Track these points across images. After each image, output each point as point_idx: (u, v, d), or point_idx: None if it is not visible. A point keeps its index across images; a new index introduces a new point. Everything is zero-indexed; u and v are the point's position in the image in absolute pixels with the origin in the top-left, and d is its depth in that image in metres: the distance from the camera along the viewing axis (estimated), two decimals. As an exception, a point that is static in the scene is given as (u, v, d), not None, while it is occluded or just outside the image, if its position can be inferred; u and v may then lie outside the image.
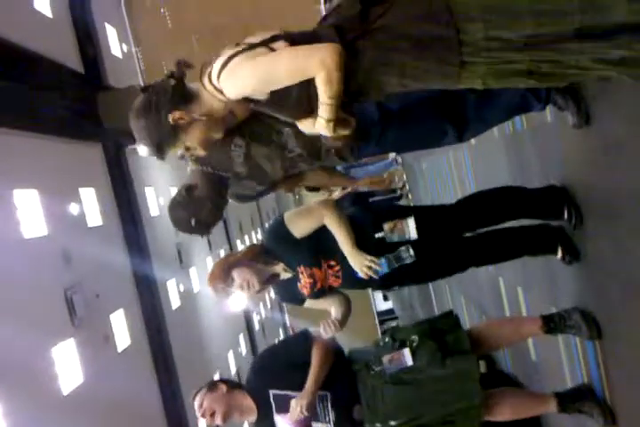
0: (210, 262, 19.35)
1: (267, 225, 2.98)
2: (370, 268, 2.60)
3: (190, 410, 13.69)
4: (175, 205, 2.59)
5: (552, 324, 2.84)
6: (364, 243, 2.67)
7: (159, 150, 1.91)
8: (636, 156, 2.12)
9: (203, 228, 2.59)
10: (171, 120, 1.83)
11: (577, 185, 2.73)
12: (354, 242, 2.63)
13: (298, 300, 2.88)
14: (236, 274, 2.69)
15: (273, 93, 1.72)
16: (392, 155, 9.41)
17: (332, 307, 2.86)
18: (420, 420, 2.78)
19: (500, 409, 2.85)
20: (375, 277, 2.62)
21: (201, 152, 1.97)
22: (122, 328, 11.55)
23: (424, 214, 2.77)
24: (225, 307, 14.07)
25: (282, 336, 29.39)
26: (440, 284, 8.67)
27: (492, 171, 3.33)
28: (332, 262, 2.71)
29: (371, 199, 10.79)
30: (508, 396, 2.98)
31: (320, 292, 2.76)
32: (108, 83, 12.61)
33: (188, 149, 1.93)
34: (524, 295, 4.12)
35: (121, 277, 12.06)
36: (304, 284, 2.72)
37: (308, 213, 2.72)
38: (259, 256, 2.74)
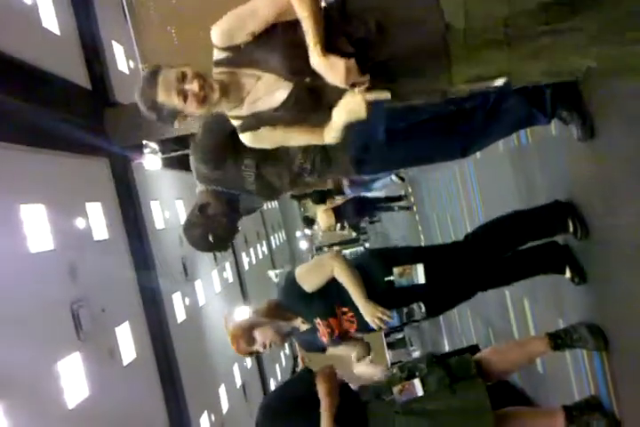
0: (215, 275, 19.35)
1: (279, 283, 3.06)
2: (381, 319, 2.68)
3: (195, 425, 13.64)
4: (191, 226, 2.64)
5: (559, 340, 2.85)
6: (374, 287, 2.75)
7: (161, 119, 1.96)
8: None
9: (221, 244, 2.65)
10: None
11: (582, 198, 2.76)
12: (364, 293, 2.71)
13: (319, 348, 2.95)
14: (258, 334, 2.77)
15: (260, 35, 1.77)
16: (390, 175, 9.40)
17: (353, 352, 2.93)
18: None
19: None
20: (384, 327, 2.71)
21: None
22: (127, 342, 11.54)
23: (434, 257, 2.81)
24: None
25: (287, 349, 29.24)
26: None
27: (498, 184, 3.35)
28: (345, 309, 2.78)
29: (377, 205, 10.82)
30: (516, 418, 2.95)
31: (338, 338, 2.83)
32: (114, 99, 12.71)
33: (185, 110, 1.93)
34: (531, 307, 4.13)
35: (126, 290, 12.07)
36: (322, 333, 2.80)
37: (317, 269, 2.80)
38: (277, 312, 2.83)
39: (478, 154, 3.17)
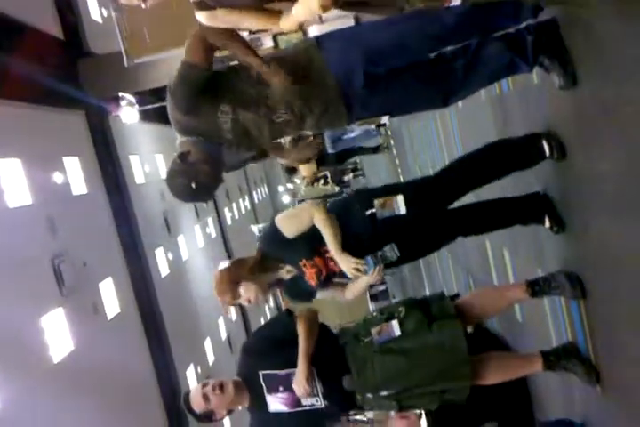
0: (198, 230, 19.36)
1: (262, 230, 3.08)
2: (357, 269, 2.71)
3: (182, 377, 13.88)
4: (173, 175, 2.57)
5: (537, 287, 2.87)
6: (356, 223, 2.77)
7: None
8: (621, 117, 2.12)
9: (204, 192, 2.60)
10: None
11: (562, 138, 2.73)
12: (340, 244, 2.72)
13: (308, 295, 2.96)
14: (243, 290, 2.77)
15: None
16: (372, 126, 9.45)
17: (342, 292, 2.94)
18: (411, 391, 2.80)
19: (488, 374, 2.89)
20: (364, 275, 2.72)
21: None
22: (111, 297, 11.59)
23: (412, 191, 2.83)
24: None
25: (271, 301, 29.59)
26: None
27: (479, 133, 3.34)
28: (327, 248, 2.77)
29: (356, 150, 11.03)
30: (494, 360, 3.02)
31: (326, 280, 2.83)
32: (89, 49, 12.35)
33: None
34: (511, 258, 4.16)
35: (108, 245, 12.04)
36: (310, 275, 2.80)
37: (297, 217, 2.81)
38: (261, 264, 2.83)
39: (460, 103, 3.14)
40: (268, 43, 8.00)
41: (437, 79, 2.54)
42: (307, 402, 2.80)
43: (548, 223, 2.88)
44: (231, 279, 2.78)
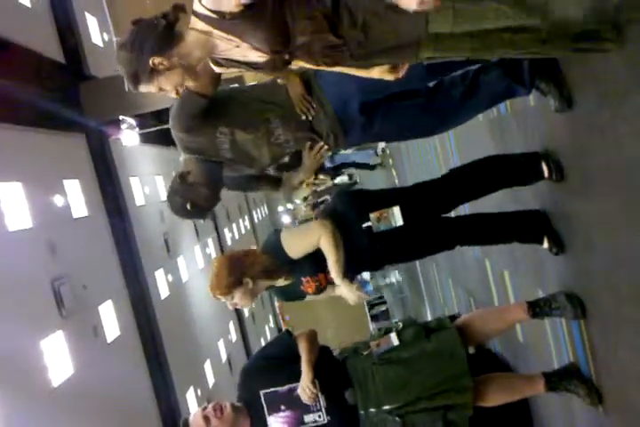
0: (198, 251, 19.33)
1: (264, 239, 3.02)
2: (359, 297, 2.75)
3: (182, 400, 13.76)
4: (172, 193, 2.66)
5: (537, 308, 2.88)
6: (354, 236, 2.76)
7: (133, 85, 1.94)
8: (616, 138, 2.14)
9: (198, 213, 2.66)
10: (151, 64, 1.84)
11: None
12: (342, 269, 2.70)
13: (299, 297, 2.95)
14: (237, 296, 2.74)
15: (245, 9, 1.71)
16: (374, 146, 9.56)
17: (333, 290, 2.92)
18: (413, 406, 2.79)
19: (490, 395, 2.89)
20: (366, 299, 2.74)
21: (173, 94, 1.99)
22: (111, 319, 11.54)
23: (407, 199, 2.82)
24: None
25: (271, 323, 29.47)
26: (428, 266, 8.73)
27: (477, 155, 3.37)
28: None
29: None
30: (497, 381, 3.03)
31: (325, 288, 2.85)
32: (89, 72, 12.47)
33: (161, 89, 1.95)
34: (511, 278, 4.17)
35: (108, 267, 12.02)
36: (309, 287, 2.81)
37: (305, 238, 2.76)
38: (262, 271, 2.77)
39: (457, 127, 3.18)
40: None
41: (436, 107, 2.59)
42: (309, 419, 2.77)
43: (546, 244, 2.90)
44: (234, 281, 2.72)
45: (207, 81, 2.42)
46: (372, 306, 24.84)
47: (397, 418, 2.77)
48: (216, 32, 1.80)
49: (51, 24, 11.91)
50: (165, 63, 1.85)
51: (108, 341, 11.22)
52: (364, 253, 2.78)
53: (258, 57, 1.84)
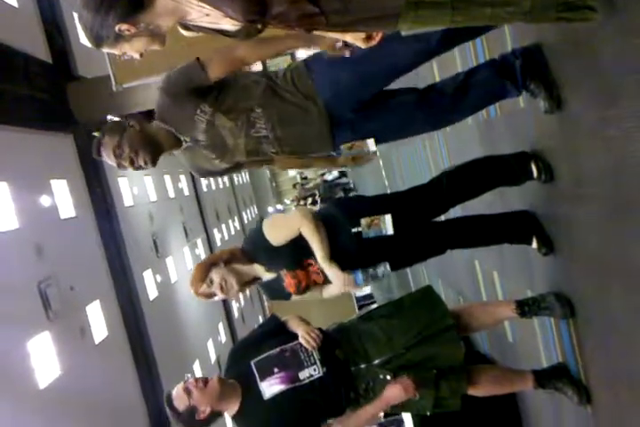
0: (187, 252, 19.27)
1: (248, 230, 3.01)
2: (345, 282, 2.70)
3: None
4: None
5: (526, 307, 2.89)
6: (342, 238, 2.73)
7: (96, 46, 1.87)
8: (605, 140, 2.15)
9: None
10: (117, 30, 1.78)
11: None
12: (328, 254, 2.69)
13: (284, 295, 2.88)
14: (214, 274, 2.72)
15: None
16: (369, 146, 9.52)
17: (320, 293, 2.88)
18: (404, 358, 2.79)
19: (481, 383, 2.91)
20: (354, 289, 2.75)
21: (137, 57, 1.94)
22: (98, 320, 11.47)
23: (400, 205, 2.81)
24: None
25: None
26: (418, 268, 8.74)
27: (467, 157, 3.38)
28: (312, 261, 2.74)
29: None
30: (489, 370, 3.08)
31: (306, 289, 2.79)
32: (77, 73, 12.38)
33: (124, 53, 1.91)
34: (500, 279, 4.18)
35: (96, 269, 11.95)
36: (289, 284, 2.75)
37: (285, 225, 2.76)
38: (239, 258, 2.78)
39: (448, 127, 3.17)
40: (257, 66, 8.06)
41: (427, 105, 2.58)
42: (304, 375, 2.72)
43: (535, 244, 2.91)
44: (206, 268, 2.74)
45: (220, 61, 2.40)
46: (361, 306, 24.88)
47: (388, 377, 2.74)
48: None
49: (38, 24, 11.82)
50: (132, 30, 1.78)
51: (96, 342, 11.15)
52: (350, 256, 2.74)
53: (231, 25, 1.77)
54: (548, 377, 2.94)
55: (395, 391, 2.68)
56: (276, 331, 2.88)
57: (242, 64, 2.46)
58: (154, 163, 2.56)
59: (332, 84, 2.47)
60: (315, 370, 2.73)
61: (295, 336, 2.79)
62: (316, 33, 1.90)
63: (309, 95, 2.48)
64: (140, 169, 2.59)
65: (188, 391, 2.65)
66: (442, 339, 2.81)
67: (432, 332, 2.80)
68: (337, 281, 2.70)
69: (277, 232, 2.73)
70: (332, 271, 2.68)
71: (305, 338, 2.75)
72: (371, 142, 2.61)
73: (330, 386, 2.73)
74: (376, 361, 2.79)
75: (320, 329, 2.89)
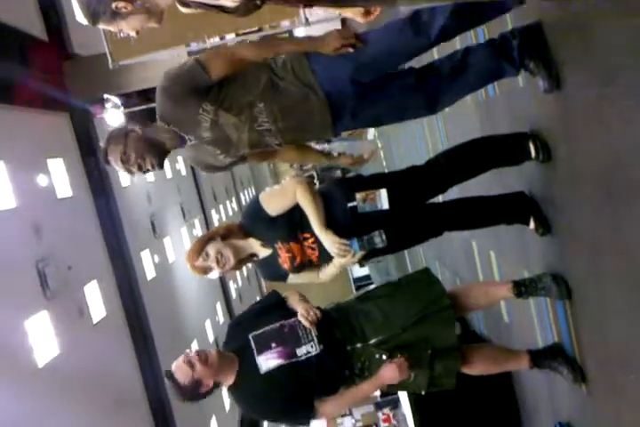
0: (184, 232, 19.28)
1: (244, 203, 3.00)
2: (341, 248, 2.64)
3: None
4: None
5: (523, 288, 2.89)
6: (337, 212, 2.71)
7: (92, 23, 1.87)
8: (605, 119, 2.13)
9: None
10: (114, 7, 1.77)
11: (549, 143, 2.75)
12: (323, 221, 2.67)
13: (281, 276, 2.89)
14: (210, 247, 2.72)
15: None
16: (369, 136, 9.48)
17: (316, 275, 2.88)
18: (400, 338, 2.80)
19: (476, 361, 2.93)
20: (349, 255, 2.65)
21: (133, 35, 1.92)
22: (96, 300, 11.51)
23: (397, 183, 2.79)
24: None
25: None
26: (415, 249, 8.75)
27: (466, 136, 3.37)
28: (307, 235, 2.72)
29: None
30: (485, 349, 3.12)
31: (300, 266, 2.78)
32: (73, 51, 12.26)
33: (120, 30, 1.88)
34: (497, 259, 4.18)
35: (93, 248, 11.96)
36: (284, 259, 2.75)
37: (281, 193, 2.75)
38: (235, 233, 2.77)
39: (447, 108, 3.16)
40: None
41: (425, 87, 2.56)
42: (301, 351, 2.74)
43: (532, 225, 2.90)
44: (203, 242, 2.75)
45: (221, 61, 2.39)
46: (358, 287, 25.00)
47: (383, 357, 2.76)
48: None
49: (33, 1, 11.67)
50: (129, 7, 1.76)
51: (94, 321, 11.20)
52: (346, 229, 2.70)
53: (230, 1, 1.74)
54: (544, 357, 2.96)
55: (390, 371, 2.70)
56: (275, 306, 2.89)
57: (242, 64, 2.44)
58: (161, 166, 2.59)
59: (332, 74, 2.46)
60: (312, 347, 2.74)
61: (294, 313, 2.80)
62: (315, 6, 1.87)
63: (309, 83, 2.48)
64: (148, 172, 2.60)
65: (190, 365, 2.68)
66: (437, 319, 2.81)
67: (428, 312, 2.80)
68: (333, 248, 2.66)
69: (274, 201, 2.73)
70: (327, 238, 2.65)
71: (304, 315, 2.75)
72: (371, 131, 2.62)
73: (326, 364, 2.74)
74: (372, 341, 2.79)
75: (319, 308, 2.89)
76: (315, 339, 2.74)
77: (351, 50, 2.33)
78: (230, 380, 2.77)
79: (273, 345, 2.75)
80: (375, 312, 2.83)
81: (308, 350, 2.74)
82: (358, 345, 2.80)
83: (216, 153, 2.61)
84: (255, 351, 2.75)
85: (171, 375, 2.71)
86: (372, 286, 2.97)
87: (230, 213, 28.91)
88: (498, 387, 4.23)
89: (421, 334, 2.81)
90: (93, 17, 1.80)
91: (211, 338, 19.34)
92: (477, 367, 2.95)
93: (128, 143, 2.50)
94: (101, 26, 1.86)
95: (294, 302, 2.85)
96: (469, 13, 2.44)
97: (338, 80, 2.47)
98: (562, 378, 2.89)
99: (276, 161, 2.94)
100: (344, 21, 6.86)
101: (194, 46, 6.85)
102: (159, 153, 2.55)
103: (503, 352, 3.16)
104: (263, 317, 2.84)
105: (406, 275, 3.11)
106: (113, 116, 11.37)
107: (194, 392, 2.70)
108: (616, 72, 1.99)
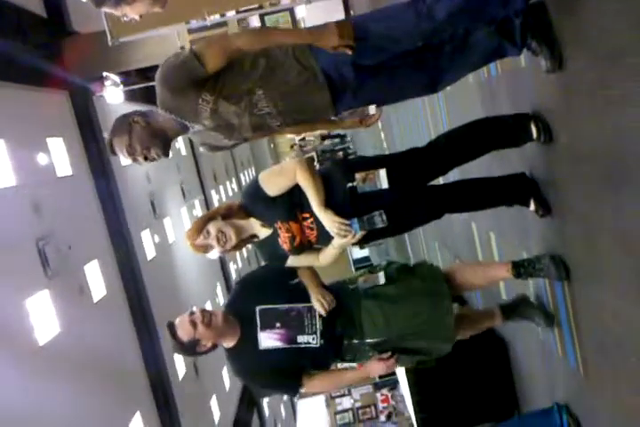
0: (184, 213, 19.29)
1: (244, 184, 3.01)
2: (341, 227, 2.63)
3: (169, 359, 13.93)
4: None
5: (522, 269, 2.90)
6: (336, 193, 2.70)
7: (96, 5, 1.88)
8: (605, 101, 2.11)
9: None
10: None
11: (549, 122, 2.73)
12: (323, 201, 2.66)
13: (281, 258, 2.88)
14: (211, 226, 2.72)
15: None
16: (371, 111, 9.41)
17: (316, 257, 2.88)
18: (397, 344, 2.84)
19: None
20: (349, 235, 2.63)
21: (136, 19, 1.90)
22: (97, 279, 11.54)
23: (397, 164, 2.77)
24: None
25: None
26: (415, 230, 8.76)
27: (467, 117, 3.34)
28: (306, 215, 2.72)
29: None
30: (458, 319, 3.06)
31: (300, 247, 2.78)
32: (72, 28, 12.13)
33: (124, 15, 1.87)
34: (497, 240, 4.18)
35: (94, 228, 11.96)
36: (283, 239, 2.75)
37: (281, 173, 2.75)
38: (236, 212, 2.78)
39: (448, 87, 3.12)
40: (254, 23, 7.91)
41: (425, 65, 2.54)
42: (302, 340, 2.79)
43: (533, 206, 2.89)
44: (204, 220, 2.76)
45: (217, 52, 2.36)
46: (358, 269, 25.11)
47: (375, 353, 2.84)
48: None
49: (32, -23, 11.53)
50: None
51: (95, 300, 11.24)
52: (345, 210, 2.69)
53: None
54: (513, 307, 3.16)
55: (377, 368, 2.81)
56: (289, 274, 2.91)
57: (239, 55, 2.42)
58: (166, 154, 2.62)
59: (333, 57, 2.43)
60: (313, 340, 2.79)
61: (307, 298, 2.82)
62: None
63: (310, 66, 2.46)
64: (154, 161, 2.63)
65: (194, 324, 2.74)
66: (437, 337, 2.87)
67: (428, 327, 2.84)
68: (333, 228, 2.64)
69: (273, 181, 2.72)
70: (326, 217, 2.64)
71: (320, 302, 2.79)
72: (372, 108, 2.61)
73: (321, 357, 2.84)
74: (368, 340, 2.84)
75: (327, 287, 2.92)
76: (317, 332, 2.79)
77: (349, 52, 2.31)
78: (230, 343, 2.85)
79: (277, 325, 2.79)
80: (378, 315, 2.84)
81: (308, 340, 2.79)
82: (355, 341, 2.85)
83: (220, 137, 2.62)
84: (259, 326, 2.80)
85: (172, 329, 2.78)
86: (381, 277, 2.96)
87: (230, 194, 28.89)
88: (495, 368, 4.27)
89: (416, 346, 2.88)
90: (99, 1, 1.78)
91: (211, 318, 19.44)
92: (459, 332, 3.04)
93: (133, 135, 2.54)
94: (106, 9, 1.84)
95: (308, 283, 2.86)
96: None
97: (339, 63, 2.45)
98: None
99: (284, 133, 2.94)
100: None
101: (194, 24, 6.79)
102: (164, 143, 2.59)
103: (475, 314, 3.39)
104: (275, 291, 2.88)
105: (422, 278, 2.95)
106: (112, 94, 11.28)
107: (191, 350, 2.79)
108: (619, 52, 1.96)
